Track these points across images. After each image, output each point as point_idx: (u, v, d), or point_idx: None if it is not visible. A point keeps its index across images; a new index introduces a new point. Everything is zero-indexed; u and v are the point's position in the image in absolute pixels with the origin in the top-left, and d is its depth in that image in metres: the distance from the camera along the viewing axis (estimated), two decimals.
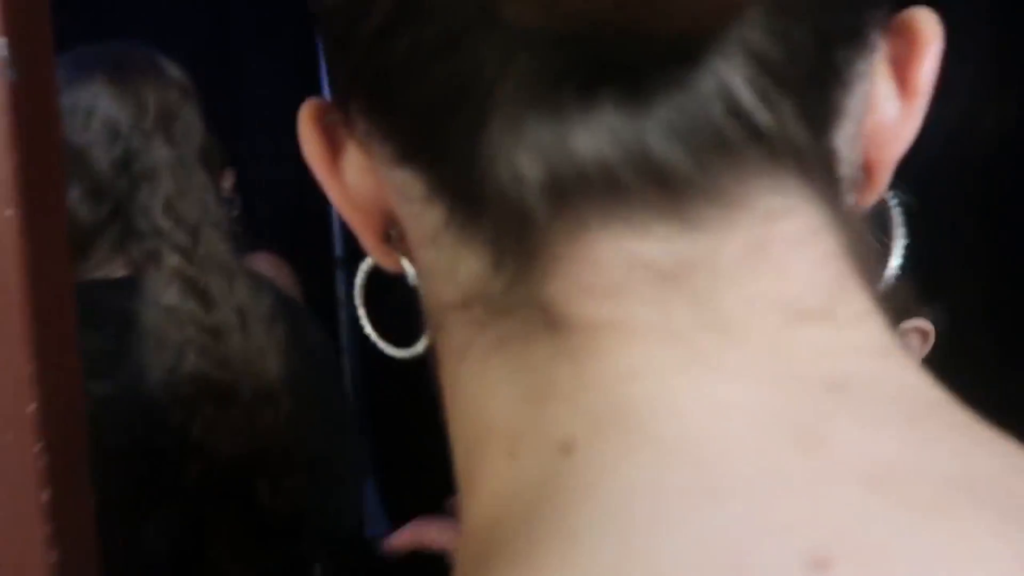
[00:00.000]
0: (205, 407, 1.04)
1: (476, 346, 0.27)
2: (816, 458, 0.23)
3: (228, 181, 1.66)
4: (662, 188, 0.24)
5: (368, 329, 0.35)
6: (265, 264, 1.80)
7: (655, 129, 0.24)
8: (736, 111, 0.24)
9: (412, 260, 0.31)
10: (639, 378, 0.24)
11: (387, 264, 0.32)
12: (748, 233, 0.25)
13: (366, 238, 0.32)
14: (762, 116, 0.24)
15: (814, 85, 0.25)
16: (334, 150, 0.31)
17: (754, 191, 0.25)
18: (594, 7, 0.22)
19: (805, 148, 0.25)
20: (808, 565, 0.22)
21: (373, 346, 0.34)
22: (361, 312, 0.35)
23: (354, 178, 0.31)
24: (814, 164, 0.26)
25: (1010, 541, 0.23)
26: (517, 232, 0.25)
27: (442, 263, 0.28)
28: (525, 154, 0.25)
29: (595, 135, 0.24)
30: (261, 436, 1.07)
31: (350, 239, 2.79)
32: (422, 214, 0.28)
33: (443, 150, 0.26)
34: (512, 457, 0.26)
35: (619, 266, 0.25)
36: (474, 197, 0.26)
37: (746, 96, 0.24)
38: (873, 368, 0.26)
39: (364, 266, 0.34)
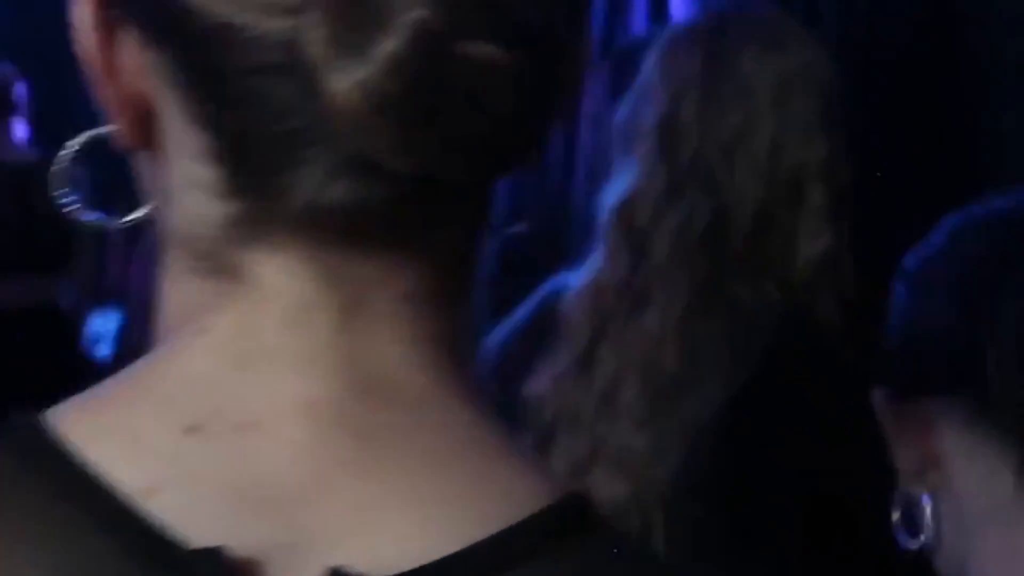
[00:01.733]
0: None
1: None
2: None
3: None
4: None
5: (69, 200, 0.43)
6: None
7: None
8: None
9: (154, 159, 0.38)
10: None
11: (128, 145, 0.39)
12: None
13: (122, 120, 0.38)
14: None
15: None
16: (110, 39, 0.37)
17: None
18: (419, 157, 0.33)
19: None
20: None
21: None
22: (61, 188, 0.42)
23: (129, 72, 0.37)
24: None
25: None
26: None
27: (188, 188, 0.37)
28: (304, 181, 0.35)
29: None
30: None
31: None
32: (192, 154, 0.36)
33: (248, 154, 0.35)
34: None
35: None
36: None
37: None
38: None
39: (81, 140, 0.42)
